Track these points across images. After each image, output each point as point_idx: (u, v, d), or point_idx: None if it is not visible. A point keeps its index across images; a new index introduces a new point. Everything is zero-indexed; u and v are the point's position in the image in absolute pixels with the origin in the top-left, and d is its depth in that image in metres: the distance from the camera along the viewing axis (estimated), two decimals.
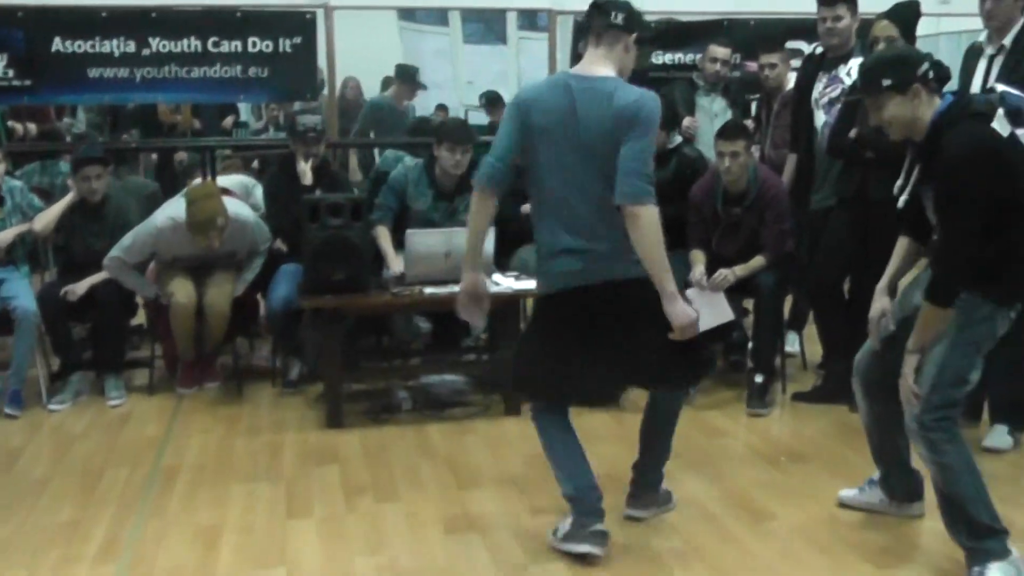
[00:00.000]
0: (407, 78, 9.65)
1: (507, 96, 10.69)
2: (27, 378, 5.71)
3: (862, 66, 3.61)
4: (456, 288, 5.22)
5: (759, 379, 5.44)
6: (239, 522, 4.13)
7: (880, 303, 3.78)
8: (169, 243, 5.74)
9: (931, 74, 3.40)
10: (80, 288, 5.70)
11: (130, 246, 5.70)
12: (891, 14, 5.01)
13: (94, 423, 5.46)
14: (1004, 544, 3.49)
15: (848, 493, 4.21)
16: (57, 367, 5.97)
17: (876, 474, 4.11)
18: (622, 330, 3.65)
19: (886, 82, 3.38)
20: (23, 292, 5.67)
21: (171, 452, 4.97)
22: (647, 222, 3.49)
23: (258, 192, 6.73)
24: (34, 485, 4.59)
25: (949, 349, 3.43)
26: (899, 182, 3.59)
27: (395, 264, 5.59)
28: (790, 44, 7.07)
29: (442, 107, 11.15)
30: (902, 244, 3.80)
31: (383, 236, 5.76)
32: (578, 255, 3.64)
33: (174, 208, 5.77)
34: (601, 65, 3.65)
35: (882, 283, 3.81)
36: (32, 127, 8.57)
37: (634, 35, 3.68)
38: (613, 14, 3.64)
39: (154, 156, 9.25)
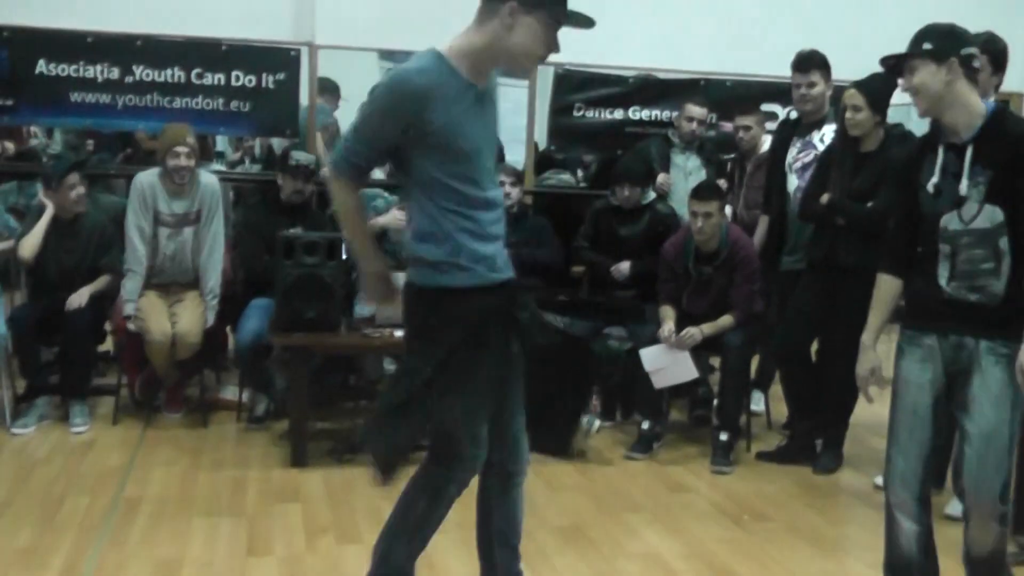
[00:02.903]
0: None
1: None
2: None
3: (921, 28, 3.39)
4: None
5: (724, 437, 5.47)
6: (199, 557, 4.10)
7: (869, 358, 3.56)
8: (151, 194, 5.85)
9: (975, 62, 3.30)
10: (82, 297, 5.73)
11: (130, 231, 5.85)
12: (860, 83, 5.10)
13: (57, 449, 5.43)
14: None
15: None
16: (23, 390, 5.94)
17: None
18: None
19: (926, 46, 3.28)
20: None
21: (133, 483, 4.95)
22: (333, 190, 3.14)
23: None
24: None
25: (1013, 411, 3.26)
26: (935, 180, 3.33)
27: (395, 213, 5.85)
28: (765, 106, 7.19)
29: None
30: (887, 284, 3.53)
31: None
32: None
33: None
34: (453, 40, 3.07)
35: (868, 336, 3.57)
36: (10, 146, 8.53)
37: (517, 4, 2.93)
38: None
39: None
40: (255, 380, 5.95)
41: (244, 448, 5.54)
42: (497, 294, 3.13)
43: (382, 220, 5.94)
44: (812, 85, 5.65)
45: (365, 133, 3.00)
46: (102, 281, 5.90)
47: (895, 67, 3.52)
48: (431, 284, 3.07)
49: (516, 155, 8.98)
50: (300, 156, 6.15)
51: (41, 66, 6.78)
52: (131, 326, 5.75)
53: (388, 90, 2.97)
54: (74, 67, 6.82)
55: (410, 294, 3.14)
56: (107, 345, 6.38)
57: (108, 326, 6.12)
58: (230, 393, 6.28)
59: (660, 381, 5.56)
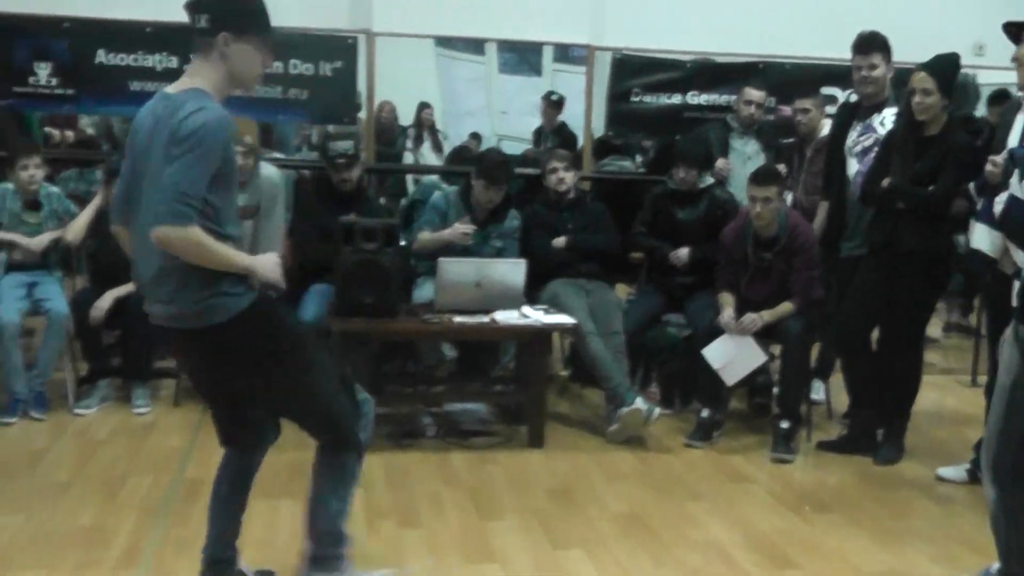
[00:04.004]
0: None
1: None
2: (54, 381, 5.83)
3: None
4: (485, 318, 5.33)
5: (784, 425, 5.42)
6: (260, 538, 4.13)
7: None
8: None
9: None
10: (104, 303, 5.76)
11: None
12: (929, 66, 5.02)
13: (119, 430, 5.50)
14: None
15: None
16: (85, 372, 6.03)
17: (994, 566, 3.73)
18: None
19: None
20: (56, 295, 5.81)
21: (194, 464, 4.99)
22: (179, 244, 2.96)
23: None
24: (56, 487, 4.64)
25: None
26: None
27: (458, 227, 5.80)
28: (825, 90, 7.11)
29: (475, 135, 11.19)
30: None
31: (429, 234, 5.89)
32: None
33: None
34: (191, 77, 3.15)
35: None
36: (69, 134, 8.65)
37: (229, 34, 3.08)
38: (196, 17, 3.13)
39: None
40: None
41: (304, 432, 5.54)
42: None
43: (448, 234, 5.84)
44: (873, 67, 5.55)
45: (199, 177, 2.96)
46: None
47: (1016, 35, 3.36)
48: (237, 309, 3.14)
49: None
50: (337, 146, 6.13)
51: (101, 56, 6.85)
52: None
53: (214, 130, 2.98)
54: (133, 57, 6.88)
55: (222, 331, 3.15)
56: None
57: None
58: None
59: (730, 375, 5.49)
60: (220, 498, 3.60)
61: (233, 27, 3.08)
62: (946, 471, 5.15)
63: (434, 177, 7.75)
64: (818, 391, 6.21)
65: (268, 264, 3.21)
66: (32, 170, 5.88)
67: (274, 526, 4.29)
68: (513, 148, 10.54)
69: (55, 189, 6.17)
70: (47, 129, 8.39)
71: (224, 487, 3.59)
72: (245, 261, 3.12)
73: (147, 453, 5.16)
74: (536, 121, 10.67)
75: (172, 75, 6.88)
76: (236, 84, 3.19)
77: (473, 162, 6.34)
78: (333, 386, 3.42)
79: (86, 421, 5.64)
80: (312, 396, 3.37)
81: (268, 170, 5.92)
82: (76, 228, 5.93)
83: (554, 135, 9.75)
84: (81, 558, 3.90)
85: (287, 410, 3.47)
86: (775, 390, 5.81)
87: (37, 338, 6.05)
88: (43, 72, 6.82)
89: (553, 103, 10.05)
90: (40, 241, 5.90)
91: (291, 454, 5.11)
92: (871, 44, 5.56)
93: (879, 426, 5.47)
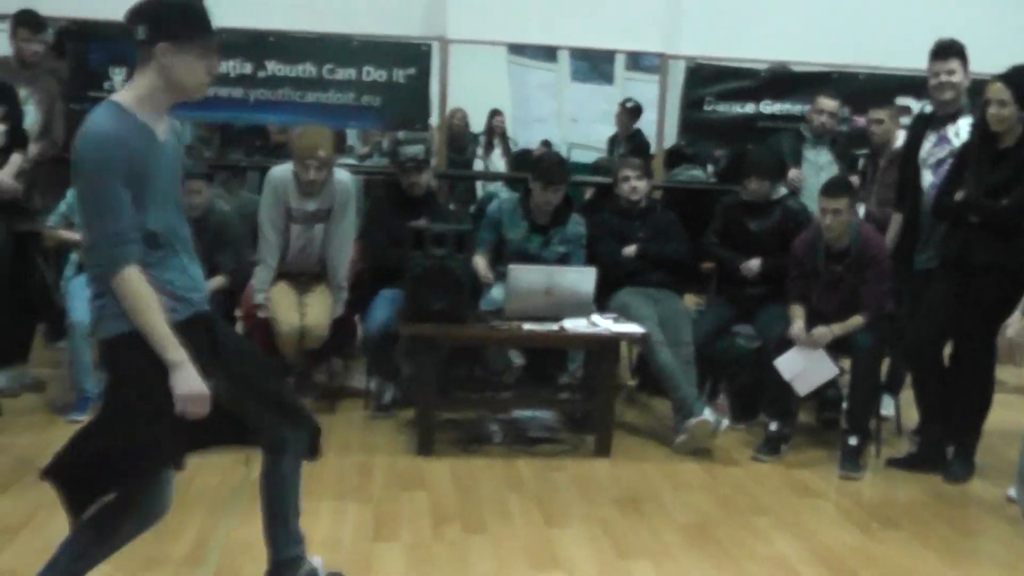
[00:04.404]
0: None
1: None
2: None
3: None
4: (554, 326, 5.33)
5: (853, 441, 5.35)
6: (327, 539, 4.17)
7: None
8: (284, 190, 5.83)
9: None
10: None
11: (263, 224, 5.88)
12: (1006, 77, 4.93)
13: None
14: None
15: None
16: None
17: None
18: None
19: None
20: None
21: (261, 463, 5.03)
22: (127, 291, 2.91)
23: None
24: None
25: None
26: None
27: (485, 271, 5.86)
28: (899, 100, 7.03)
29: (546, 143, 11.22)
30: None
31: (478, 261, 5.91)
32: None
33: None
34: (126, 90, 3.04)
35: None
36: None
37: (167, 44, 2.95)
38: (134, 29, 2.99)
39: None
40: (382, 369, 6.01)
41: (371, 435, 5.61)
42: None
43: (480, 274, 5.94)
44: (951, 72, 5.47)
45: (115, 208, 2.88)
46: (214, 282, 5.74)
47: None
48: (120, 330, 3.00)
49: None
50: (408, 150, 6.17)
51: None
52: (260, 314, 5.86)
53: (96, 159, 2.87)
54: None
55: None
56: (237, 331, 6.50)
57: (237, 312, 6.25)
58: (357, 381, 6.37)
59: (802, 387, 5.45)
60: (261, 501, 3.67)
61: (171, 36, 2.95)
62: (1017, 492, 5.06)
63: (498, 184, 7.78)
64: (888, 407, 6.12)
65: (191, 384, 3.01)
66: None
67: (340, 527, 4.33)
68: (583, 156, 10.54)
69: None
70: None
71: (260, 490, 3.67)
72: (175, 356, 2.97)
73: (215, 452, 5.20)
74: (606, 129, 10.67)
75: (247, 81, 7.00)
76: (180, 94, 3.06)
77: (531, 165, 6.35)
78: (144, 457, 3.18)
79: None
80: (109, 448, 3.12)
81: (341, 174, 5.97)
82: None
83: (627, 142, 9.75)
84: (148, 554, 3.92)
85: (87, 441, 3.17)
86: (844, 404, 5.74)
87: None
88: (118, 77, 6.94)
89: (629, 110, 10.02)
90: None
91: (357, 456, 5.25)
92: (949, 50, 5.49)
93: (949, 443, 5.38)
